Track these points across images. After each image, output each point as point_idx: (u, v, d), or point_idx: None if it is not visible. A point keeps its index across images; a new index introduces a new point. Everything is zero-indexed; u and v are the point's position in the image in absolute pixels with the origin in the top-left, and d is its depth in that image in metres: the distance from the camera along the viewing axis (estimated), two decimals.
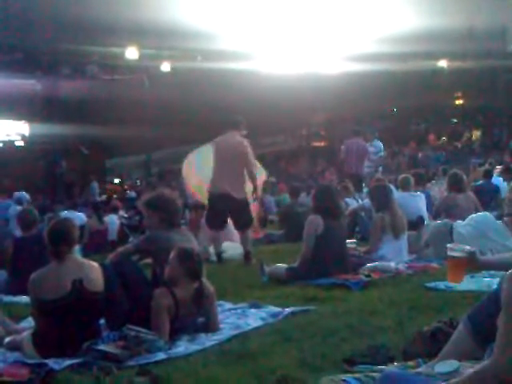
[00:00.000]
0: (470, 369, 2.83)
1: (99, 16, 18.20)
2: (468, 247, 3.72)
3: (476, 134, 31.49)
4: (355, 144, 13.96)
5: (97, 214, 12.42)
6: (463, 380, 2.76)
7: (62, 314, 4.48)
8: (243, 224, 8.63)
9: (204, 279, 4.93)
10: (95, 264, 4.73)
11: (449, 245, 3.86)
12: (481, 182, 12.23)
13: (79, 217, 12.35)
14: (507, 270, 2.94)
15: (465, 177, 9.73)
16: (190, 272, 4.81)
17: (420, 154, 26.82)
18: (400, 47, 19.96)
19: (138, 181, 25.60)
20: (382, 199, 7.78)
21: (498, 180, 12.29)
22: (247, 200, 8.62)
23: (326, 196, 7.05)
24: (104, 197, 21.22)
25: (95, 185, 22.43)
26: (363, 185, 13.17)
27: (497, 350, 2.69)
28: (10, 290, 7.02)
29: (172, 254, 4.87)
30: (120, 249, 6.04)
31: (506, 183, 11.79)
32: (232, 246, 9.13)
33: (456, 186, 9.20)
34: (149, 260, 5.87)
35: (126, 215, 14.31)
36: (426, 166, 21.88)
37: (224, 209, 8.63)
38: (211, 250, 9.05)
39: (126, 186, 25.20)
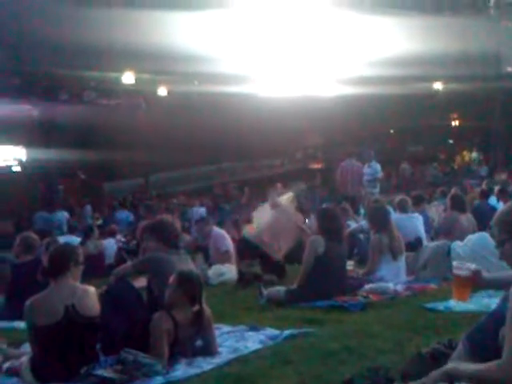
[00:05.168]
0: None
1: (96, 41, 18.32)
2: (474, 266, 3.74)
3: (469, 155, 31.63)
4: (349, 165, 14.00)
5: (83, 238, 12.33)
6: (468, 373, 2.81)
7: (56, 339, 4.47)
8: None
9: (203, 302, 4.92)
10: (90, 288, 4.73)
11: (454, 263, 3.89)
12: (477, 202, 12.24)
13: (76, 241, 12.28)
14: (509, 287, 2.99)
15: None
16: (189, 295, 4.79)
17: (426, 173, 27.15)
18: (395, 70, 20.07)
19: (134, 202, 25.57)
20: (380, 221, 7.78)
21: (493, 200, 12.30)
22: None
23: (329, 217, 7.07)
24: (101, 221, 21.18)
25: (89, 208, 22.41)
26: (360, 206, 13.18)
27: (505, 354, 2.73)
28: (8, 316, 6.98)
29: (172, 278, 4.86)
30: (118, 269, 6.05)
31: (501, 203, 11.81)
32: (231, 269, 9.12)
33: (459, 206, 9.23)
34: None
35: (123, 239, 14.27)
36: (434, 185, 22.08)
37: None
38: (209, 272, 9.05)
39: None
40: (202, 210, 18.66)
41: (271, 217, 9.14)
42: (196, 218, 15.85)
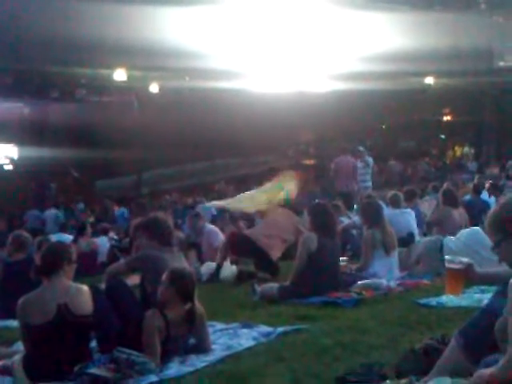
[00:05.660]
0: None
1: (87, 38, 18.26)
2: (466, 259, 3.75)
3: (461, 150, 31.73)
4: (344, 162, 14.01)
5: (76, 236, 12.31)
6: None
7: (49, 338, 4.46)
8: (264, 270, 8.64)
9: (195, 300, 4.91)
10: (83, 287, 4.71)
11: (447, 257, 3.89)
12: (469, 197, 12.28)
13: (68, 239, 12.26)
14: (503, 282, 2.99)
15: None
16: (182, 293, 4.78)
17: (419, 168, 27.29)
18: (387, 66, 20.09)
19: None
20: (372, 216, 7.78)
21: (485, 195, 12.35)
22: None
23: (322, 214, 7.06)
24: (92, 218, 21.14)
25: (81, 206, 22.39)
26: (354, 202, 13.17)
27: (507, 353, 2.75)
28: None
29: (165, 275, 4.85)
30: (111, 267, 6.04)
31: (493, 198, 11.86)
32: (224, 266, 9.10)
33: (451, 201, 9.25)
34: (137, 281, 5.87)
35: (116, 237, 14.23)
36: (426, 180, 22.18)
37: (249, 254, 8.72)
38: (202, 270, 9.04)
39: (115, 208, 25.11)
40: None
41: (267, 216, 9.15)
42: (207, 215, 15.70)
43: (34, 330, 4.48)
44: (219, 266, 8.76)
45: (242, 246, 8.78)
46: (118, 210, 20.33)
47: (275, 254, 8.57)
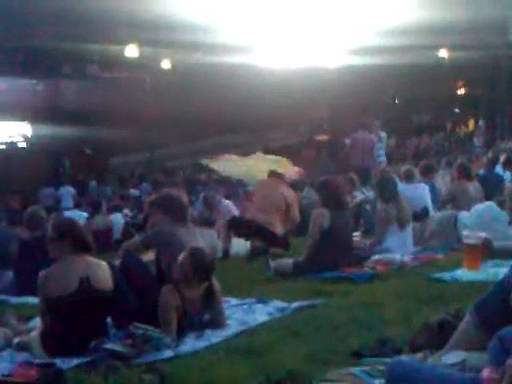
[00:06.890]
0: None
1: (98, 13, 18.17)
2: (484, 234, 3.75)
3: (474, 123, 31.51)
4: (361, 137, 13.95)
5: (91, 213, 12.36)
6: None
7: (68, 311, 4.48)
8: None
9: (213, 277, 4.93)
10: (103, 262, 4.72)
11: (465, 232, 3.90)
12: (483, 171, 12.19)
13: (82, 216, 12.34)
14: None
15: None
16: (200, 273, 4.80)
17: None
18: (401, 40, 19.91)
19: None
20: (387, 191, 7.75)
21: (499, 169, 12.26)
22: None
23: (331, 188, 7.04)
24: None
25: (94, 184, 22.45)
26: (370, 178, 13.11)
27: None
28: (16, 291, 7.04)
29: (183, 255, 4.85)
30: (126, 243, 6.07)
31: (508, 173, 11.77)
32: (237, 243, 9.12)
33: (465, 174, 9.19)
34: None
35: (130, 214, 14.30)
36: (440, 154, 22.13)
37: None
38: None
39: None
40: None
41: (257, 195, 9.03)
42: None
43: (55, 302, 4.50)
44: (226, 250, 8.72)
45: (243, 230, 8.71)
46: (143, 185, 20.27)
47: (277, 228, 8.49)
